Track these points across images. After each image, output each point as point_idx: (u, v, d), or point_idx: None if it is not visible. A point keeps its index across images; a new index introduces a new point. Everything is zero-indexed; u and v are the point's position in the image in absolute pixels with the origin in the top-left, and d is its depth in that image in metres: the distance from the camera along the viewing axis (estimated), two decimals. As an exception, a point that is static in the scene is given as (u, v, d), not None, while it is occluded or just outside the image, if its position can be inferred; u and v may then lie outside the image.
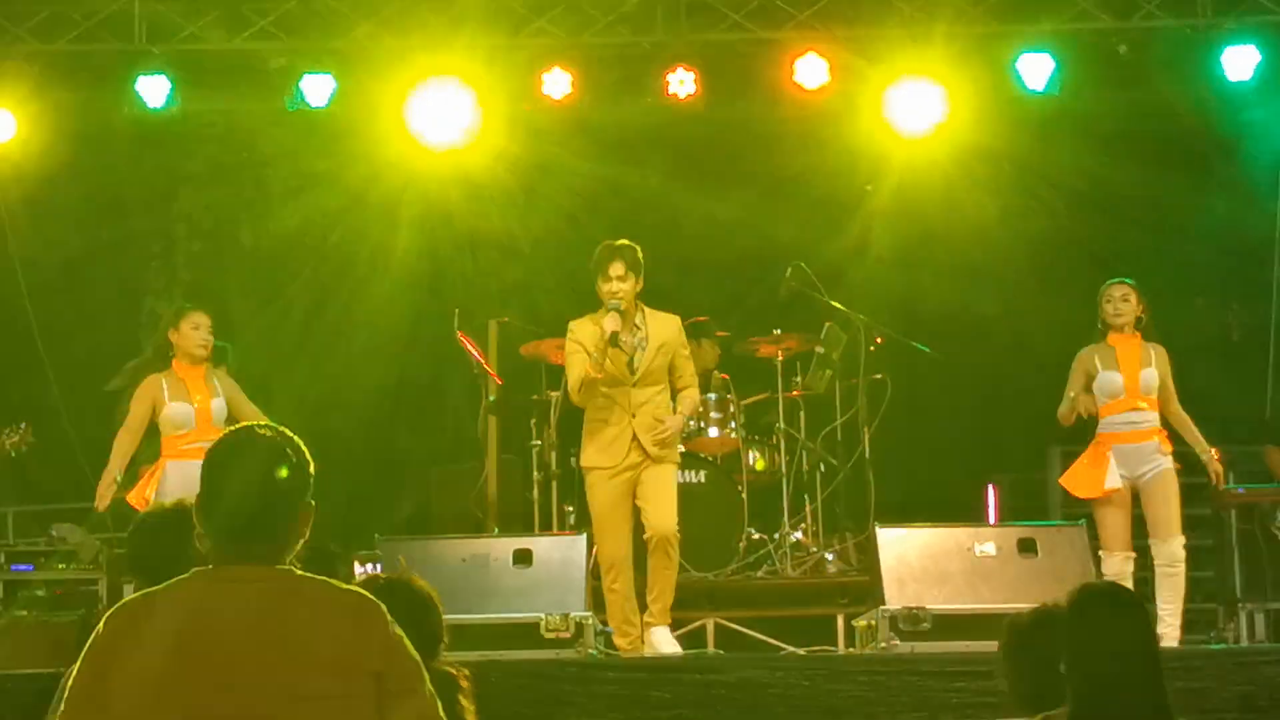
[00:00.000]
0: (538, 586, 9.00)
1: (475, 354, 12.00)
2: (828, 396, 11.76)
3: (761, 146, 14.33)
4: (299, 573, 3.99)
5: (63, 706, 3.92)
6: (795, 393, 11.71)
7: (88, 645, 3.92)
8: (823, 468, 11.73)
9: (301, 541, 4.04)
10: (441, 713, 4.02)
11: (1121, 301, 10.06)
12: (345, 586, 4.04)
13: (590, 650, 8.64)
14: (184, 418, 9.66)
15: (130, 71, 12.06)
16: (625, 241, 9.78)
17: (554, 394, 11.84)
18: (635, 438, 9.47)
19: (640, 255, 9.74)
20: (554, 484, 11.73)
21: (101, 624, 3.93)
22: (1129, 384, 9.97)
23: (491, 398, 12.14)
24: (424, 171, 14.16)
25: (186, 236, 15.27)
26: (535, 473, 11.84)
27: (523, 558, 9.15)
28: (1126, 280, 10.17)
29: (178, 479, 9.49)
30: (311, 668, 3.82)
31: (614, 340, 9.50)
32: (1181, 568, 9.83)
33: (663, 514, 9.40)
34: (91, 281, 16.30)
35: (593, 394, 9.61)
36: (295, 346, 16.07)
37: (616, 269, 9.63)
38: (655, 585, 9.41)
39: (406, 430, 16.65)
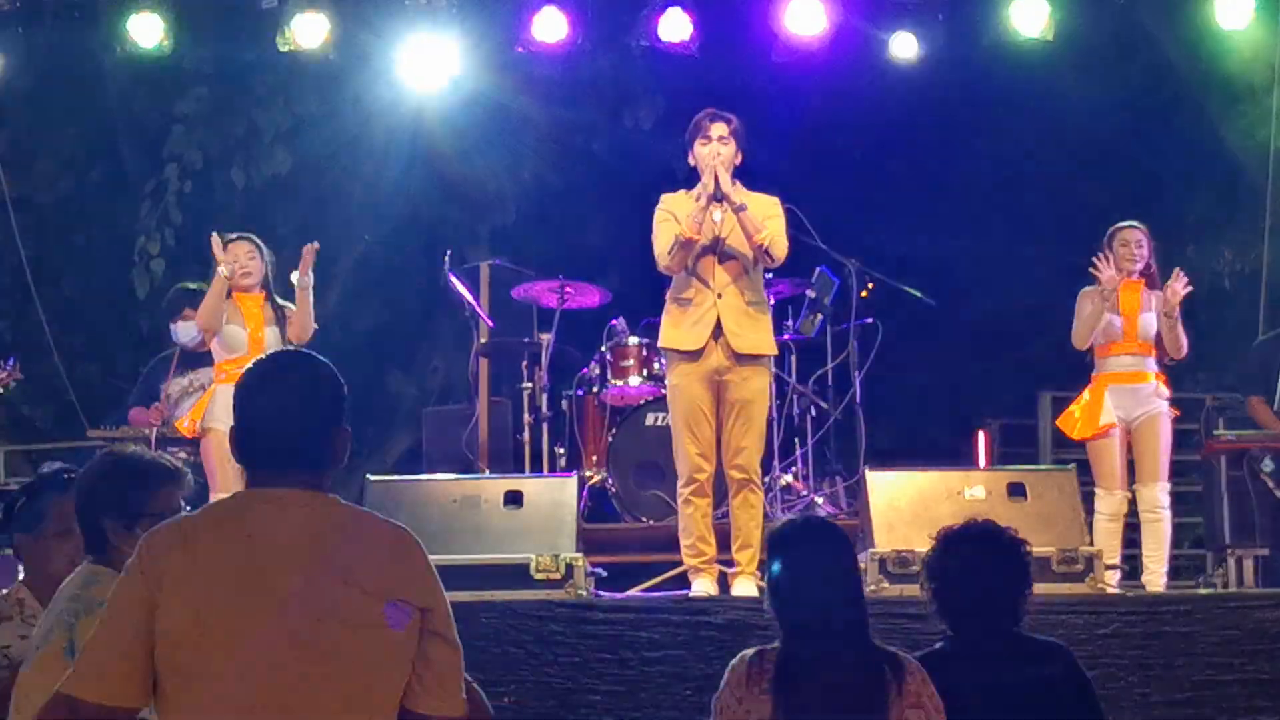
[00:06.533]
0: (528, 527, 8.98)
1: (466, 296, 11.99)
2: (818, 341, 11.76)
3: (755, 93, 14.32)
4: (340, 500, 4.03)
5: (98, 627, 3.92)
6: (785, 336, 11.70)
7: (125, 570, 3.93)
8: (813, 412, 11.73)
9: (339, 466, 4.07)
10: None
11: (1136, 247, 10.08)
12: (380, 516, 4.08)
13: (580, 591, 8.64)
14: (237, 342, 9.69)
15: (122, 11, 12.00)
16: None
17: (545, 336, 11.85)
18: (720, 323, 9.00)
19: (743, 127, 9.17)
20: (545, 426, 11.73)
21: (140, 547, 3.94)
22: (1128, 328, 9.99)
23: (482, 340, 12.14)
24: (416, 114, 14.15)
25: (178, 177, 15.25)
26: (526, 415, 11.85)
27: (514, 499, 9.14)
28: (1139, 225, 10.18)
29: (226, 403, 9.55)
30: (362, 595, 3.86)
31: (718, 195, 8.96)
32: (1163, 514, 9.82)
33: (746, 444, 9.04)
34: (83, 221, 16.30)
35: (684, 259, 9.05)
36: (286, 288, 16.09)
37: (719, 129, 9.09)
38: (740, 531, 9.13)
39: (398, 372, 16.69)
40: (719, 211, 9.09)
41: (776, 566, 5.20)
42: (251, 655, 3.79)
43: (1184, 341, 10.00)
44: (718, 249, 9.10)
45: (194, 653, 3.81)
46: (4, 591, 5.69)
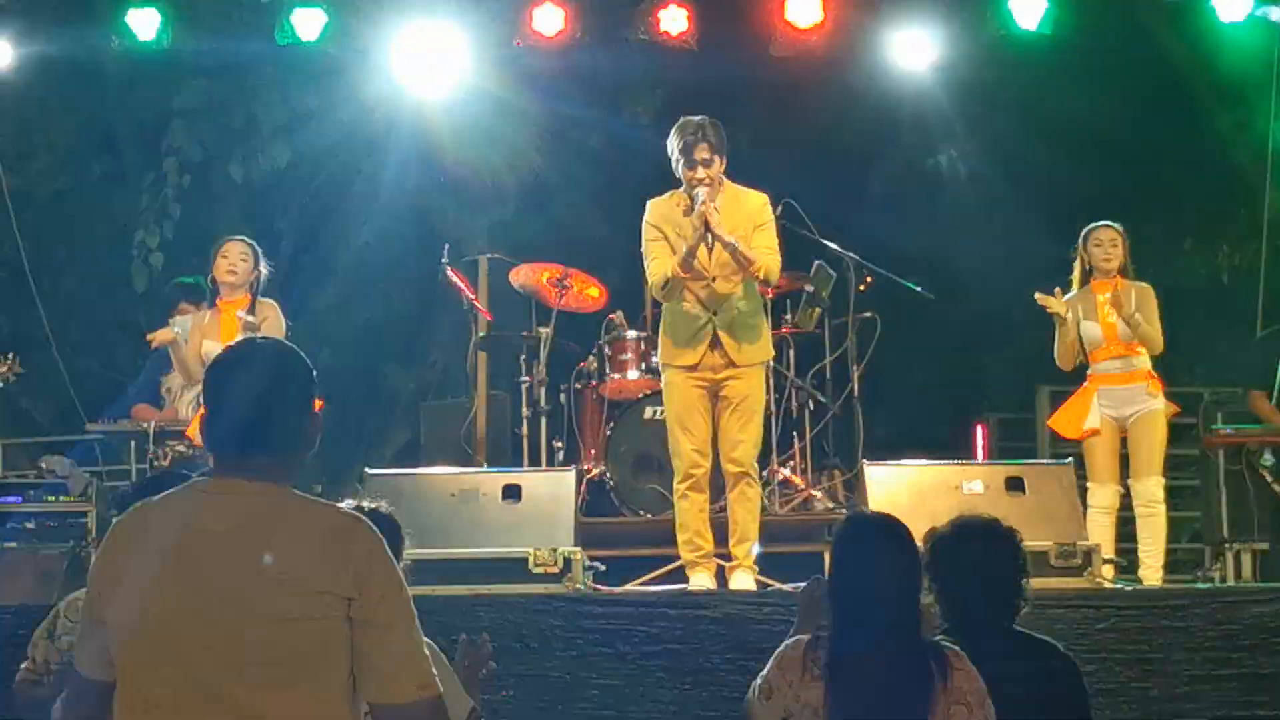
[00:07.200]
0: (527, 521, 9.00)
1: (465, 290, 11.98)
2: (817, 334, 11.75)
3: (754, 88, 14.30)
4: (293, 491, 4.01)
5: (78, 629, 4.06)
6: (784, 330, 11.69)
7: (97, 550, 4.03)
8: (811, 405, 11.72)
9: (310, 450, 4.08)
10: (432, 663, 4.01)
11: (1111, 246, 10.09)
12: (333, 506, 4.07)
13: (577, 585, 8.65)
14: (215, 352, 9.74)
15: (121, 4, 11.99)
16: (707, 118, 9.08)
17: (544, 330, 11.83)
18: (717, 336, 9.03)
19: (723, 132, 9.08)
20: (543, 419, 11.72)
21: (109, 533, 4.01)
22: (1106, 331, 10.00)
23: (481, 333, 12.13)
24: (414, 108, 14.13)
25: (176, 171, 15.25)
26: (524, 408, 11.84)
27: (512, 493, 9.15)
28: (1114, 225, 10.19)
29: None
30: (286, 588, 3.84)
31: (708, 235, 8.92)
32: (1159, 509, 9.84)
33: (743, 438, 9.07)
34: (82, 215, 16.30)
35: (677, 292, 9.08)
36: (284, 281, 16.09)
37: (702, 152, 8.98)
38: (737, 525, 9.17)
39: (396, 365, 16.69)
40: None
41: (844, 558, 5.19)
42: (184, 648, 3.81)
43: (1155, 338, 9.98)
44: (710, 277, 9.11)
45: (134, 645, 3.85)
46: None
